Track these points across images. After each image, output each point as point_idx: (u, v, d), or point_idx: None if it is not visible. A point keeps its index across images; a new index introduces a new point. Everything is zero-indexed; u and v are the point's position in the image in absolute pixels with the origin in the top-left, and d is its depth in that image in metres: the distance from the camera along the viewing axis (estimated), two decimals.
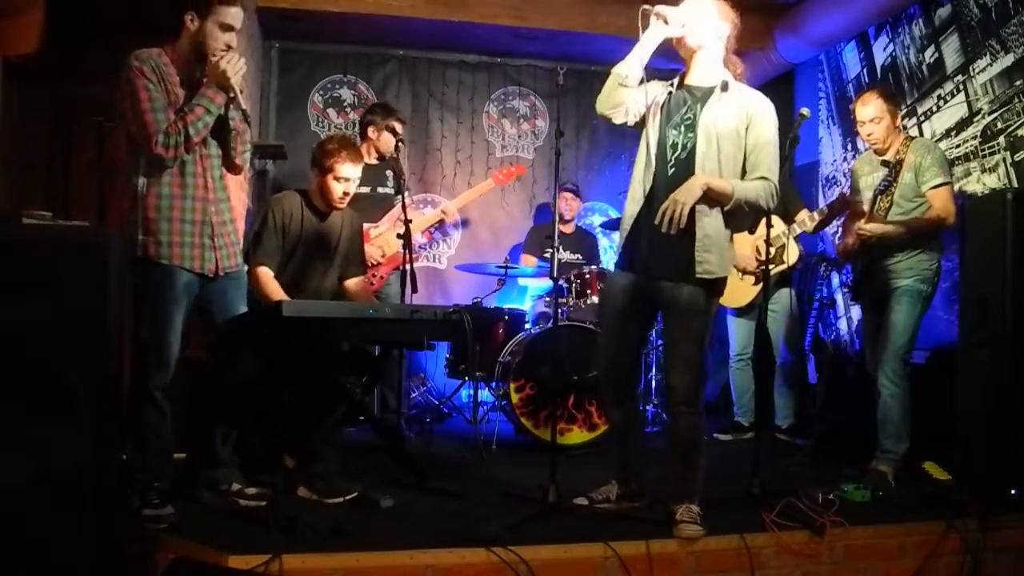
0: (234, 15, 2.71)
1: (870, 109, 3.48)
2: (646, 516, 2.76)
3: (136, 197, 2.67)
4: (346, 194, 3.51)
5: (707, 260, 2.65)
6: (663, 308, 2.77)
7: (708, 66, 2.74)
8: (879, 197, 3.38)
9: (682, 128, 2.72)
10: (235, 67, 2.68)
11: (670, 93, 2.78)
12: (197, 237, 2.75)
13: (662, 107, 2.77)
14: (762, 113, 2.71)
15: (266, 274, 3.39)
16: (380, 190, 4.43)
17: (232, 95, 2.73)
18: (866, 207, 3.51)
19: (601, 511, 2.84)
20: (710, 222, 2.67)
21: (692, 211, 2.61)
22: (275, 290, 3.36)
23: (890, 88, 3.99)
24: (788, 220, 4.28)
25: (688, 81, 2.78)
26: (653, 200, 2.70)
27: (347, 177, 3.48)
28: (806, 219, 4.13)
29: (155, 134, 2.59)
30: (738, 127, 2.68)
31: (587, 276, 4.43)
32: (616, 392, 2.90)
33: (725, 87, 2.70)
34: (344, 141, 3.56)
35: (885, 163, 3.51)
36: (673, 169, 2.71)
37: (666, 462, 2.79)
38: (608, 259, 5.58)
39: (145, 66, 2.62)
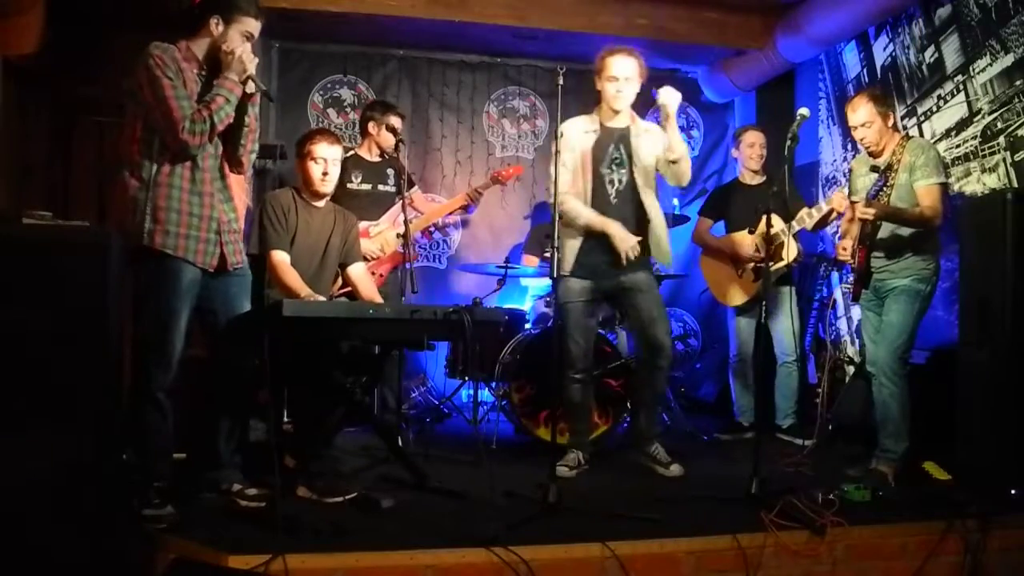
0: (256, 27, 2.79)
1: (860, 114, 3.47)
2: (646, 516, 2.77)
3: (148, 186, 2.67)
4: (325, 174, 3.52)
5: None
6: (623, 294, 3.52)
7: (624, 114, 3.53)
8: (872, 201, 3.37)
9: (614, 167, 3.49)
10: (250, 56, 2.74)
11: (595, 138, 3.47)
12: (204, 232, 2.76)
13: (591, 150, 3.46)
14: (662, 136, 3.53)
15: (284, 260, 3.42)
16: (381, 188, 4.42)
17: (252, 92, 2.79)
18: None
19: (604, 512, 2.84)
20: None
21: (647, 213, 3.51)
22: (294, 278, 3.37)
23: (879, 90, 3.98)
24: (788, 219, 4.28)
25: (607, 123, 3.52)
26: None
27: (323, 157, 3.49)
28: (804, 216, 4.14)
29: (182, 120, 2.61)
30: (658, 155, 3.52)
31: None
32: (587, 373, 3.58)
33: (637, 130, 3.52)
34: (320, 128, 3.63)
35: (875, 168, 3.50)
36: (616, 200, 3.48)
37: (638, 415, 3.66)
38: None
39: (165, 55, 2.65)
